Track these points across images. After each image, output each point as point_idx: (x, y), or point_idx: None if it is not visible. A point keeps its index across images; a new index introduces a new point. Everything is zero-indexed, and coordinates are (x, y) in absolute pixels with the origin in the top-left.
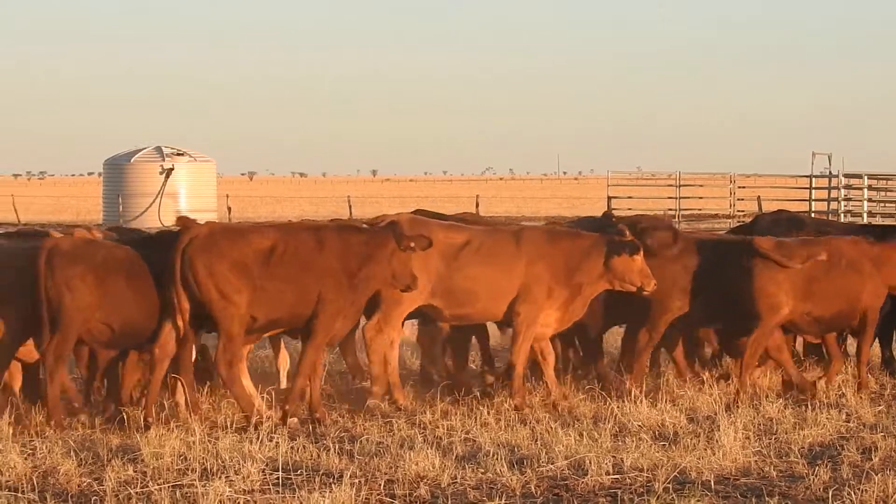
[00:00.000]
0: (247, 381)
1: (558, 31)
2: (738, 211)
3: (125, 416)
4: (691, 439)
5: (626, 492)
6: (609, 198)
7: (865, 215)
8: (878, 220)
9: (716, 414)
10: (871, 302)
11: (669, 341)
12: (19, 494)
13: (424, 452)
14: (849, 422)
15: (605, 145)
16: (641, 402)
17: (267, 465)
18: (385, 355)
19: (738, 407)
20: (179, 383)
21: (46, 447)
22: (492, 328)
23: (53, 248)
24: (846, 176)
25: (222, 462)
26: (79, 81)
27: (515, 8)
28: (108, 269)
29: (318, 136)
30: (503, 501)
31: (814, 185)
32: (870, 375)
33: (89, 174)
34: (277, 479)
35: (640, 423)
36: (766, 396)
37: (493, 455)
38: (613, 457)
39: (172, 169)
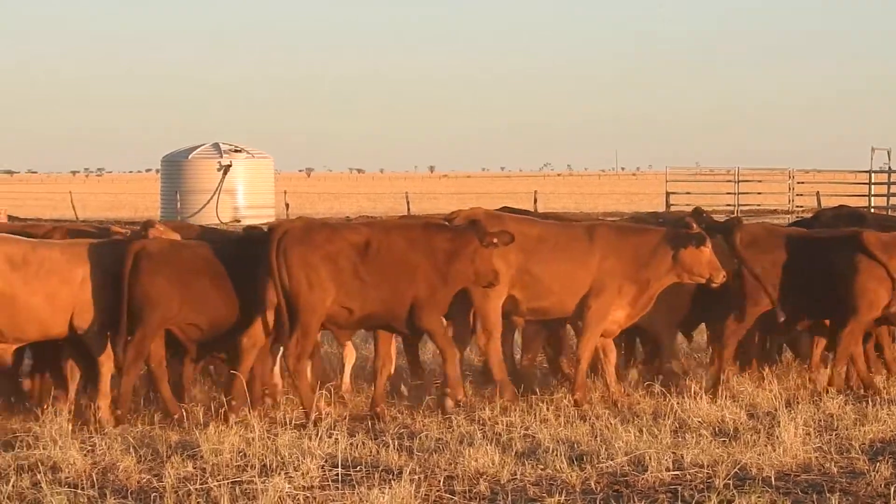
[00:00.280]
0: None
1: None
2: (797, 206)
3: (184, 413)
4: (751, 435)
5: (687, 488)
6: (667, 193)
7: None
8: None
9: (776, 410)
10: None
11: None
12: (79, 491)
13: (484, 449)
14: None
15: (662, 141)
16: (701, 398)
17: (326, 461)
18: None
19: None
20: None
21: (106, 444)
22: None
23: (141, 249)
24: None
25: (281, 458)
26: (136, 79)
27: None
28: (193, 267)
29: (376, 132)
30: (563, 498)
31: (873, 181)
32: None
33: (147, 171)
34: (337, 475)
35: (699, 420)
36: (826, 392)
37: (553, 451)
38: (673, 453)
39: (230, 165)
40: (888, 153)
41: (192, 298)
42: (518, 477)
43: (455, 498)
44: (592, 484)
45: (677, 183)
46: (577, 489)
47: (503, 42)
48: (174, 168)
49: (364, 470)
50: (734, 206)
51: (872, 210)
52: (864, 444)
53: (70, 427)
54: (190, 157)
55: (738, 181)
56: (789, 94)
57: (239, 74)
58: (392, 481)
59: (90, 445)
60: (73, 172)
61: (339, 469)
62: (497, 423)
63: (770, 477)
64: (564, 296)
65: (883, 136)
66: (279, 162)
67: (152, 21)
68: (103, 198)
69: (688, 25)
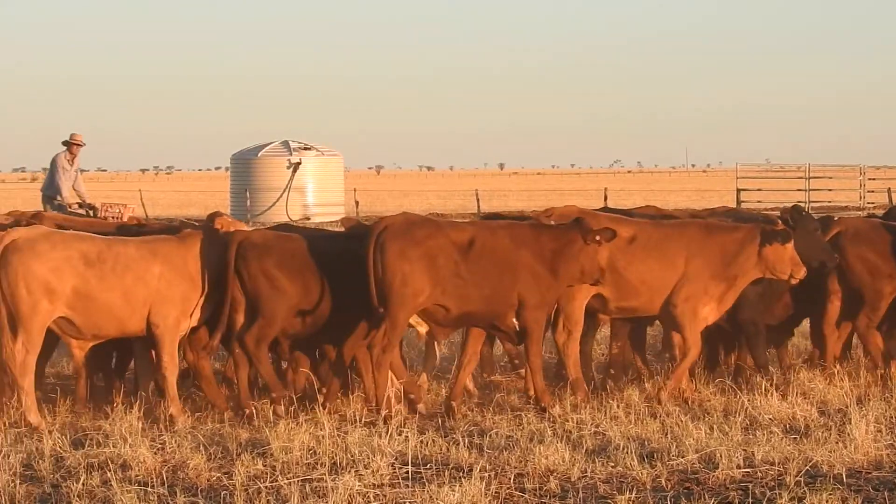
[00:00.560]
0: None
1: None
2: (868, 203)
3: (254, 411)
4: (822, 433)
5: (758, 485)
6: (738, 190)
7: None
8: None
9: (847, 407)
10: None
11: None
12: (149, 489)
13: (554, 446)
14: None
15: (732, 137)
16: (772, 395)
17: (396, 458)
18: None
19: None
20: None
21: (176, 442)
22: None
23: (244, 241)
24: None
25: (352, 456)
26: (206, 79)
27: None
28: (301, 262)
29: (445, 129)
30: (633, 495)
31: None
32: None
33: (216, 169)
34: (407, 472)
35: (770, 417)
36: None
37: (623, 448)
38: (744, 450)
39: (300, 163)
40: None
41: (306, 291)
42: (588, 474)
43: (525, 495)
44: (663, 481)
45: (748, 180)
46: (648, 486)
47: (573, 39)
48: (244, 166)
49: (434, 467)
50: (805, 202)
51: None
52: None
53: (140, 425)
54: (259, 154)
55: (809, 178)
56: (861, 91)
57: (308, 73)
58: (462, 479)
59: (160, 443)
60: (143, 170)
61: (410, 467)
62: (567, 421)
63: (841, 474)
64: (654, 294)
65: None
66: (348, 159)
67: (220, 21)
68: (173, 196)
69: (760, 23)
